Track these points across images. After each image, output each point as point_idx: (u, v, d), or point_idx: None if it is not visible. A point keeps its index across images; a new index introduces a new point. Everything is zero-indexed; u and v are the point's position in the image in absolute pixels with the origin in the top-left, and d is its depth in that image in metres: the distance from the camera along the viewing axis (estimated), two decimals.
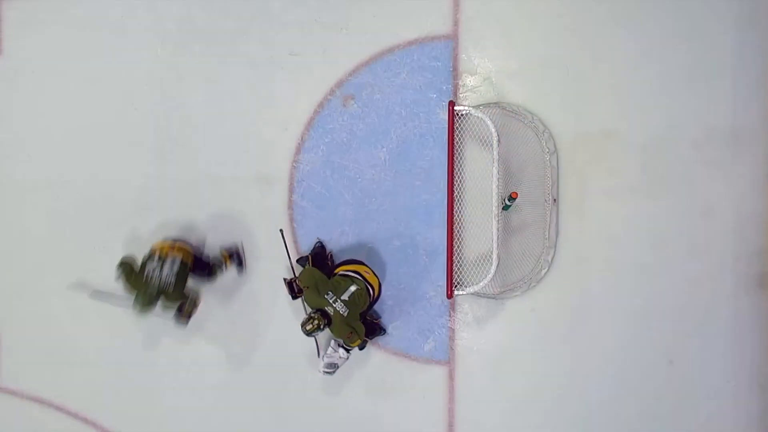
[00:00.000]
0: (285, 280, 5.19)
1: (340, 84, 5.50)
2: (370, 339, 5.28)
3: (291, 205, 5.54)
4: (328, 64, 5.48)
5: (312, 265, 5.16)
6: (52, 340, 5.61)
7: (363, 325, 4.99)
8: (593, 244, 5.41)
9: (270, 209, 5.53)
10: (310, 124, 5.52)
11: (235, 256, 5.45)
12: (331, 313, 4.87)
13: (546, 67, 5.42)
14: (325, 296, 4.88)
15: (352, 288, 4.91)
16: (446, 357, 5.50)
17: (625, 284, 5.39)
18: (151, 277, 4.93)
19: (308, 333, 4.85)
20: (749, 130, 5.36)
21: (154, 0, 5.55)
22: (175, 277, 4.97)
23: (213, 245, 5.49)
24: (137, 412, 5.60)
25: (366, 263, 5.22)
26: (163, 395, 5.58)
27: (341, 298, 4.88)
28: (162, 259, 5.00)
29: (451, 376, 5.50)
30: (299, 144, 5.53)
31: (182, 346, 5.56)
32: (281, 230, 5.29)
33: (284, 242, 5.27)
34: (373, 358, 5.50)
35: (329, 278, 5.00)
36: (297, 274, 5.17)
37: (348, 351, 5.20)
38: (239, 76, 5.52)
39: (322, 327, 4.84)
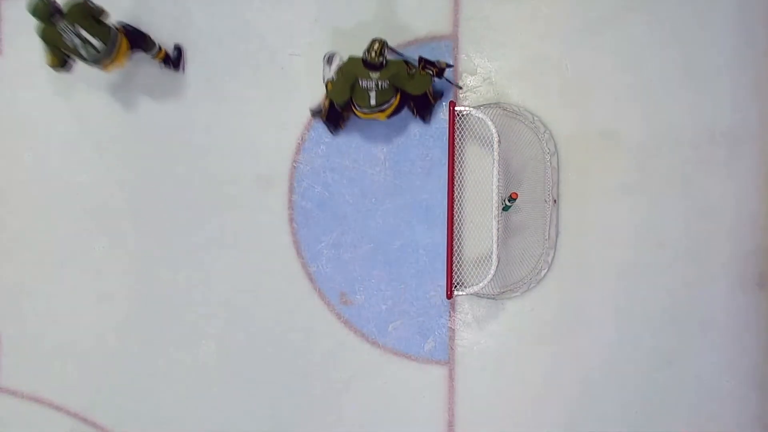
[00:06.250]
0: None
1: None
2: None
3: (291, 205, 5.54)
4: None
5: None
6: (52, 340, 5.61)
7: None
8: (593, 244, 5.42)
9: (270, 209, 5.53)
10: (310, 124, 5.52)
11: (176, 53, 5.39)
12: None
13: (546, 67, 5.42)
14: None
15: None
16: (446, 357, 5.51)
17: (625, 284, 5.40)
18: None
19: (370, 53, 4.80)
20: (749, 130, 5.37)
21: (154, 0, 5.55)
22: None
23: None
24: (137, 412, 5.59)
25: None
26: (163, 395, 5.57)
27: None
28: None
29: (451, 376, 5.50)
30: (299, 144, 5.53)
31: (182, 345, 5.56)
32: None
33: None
34: (373, 357, 5.50)
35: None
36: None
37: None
38: (239, 76, 5.52)
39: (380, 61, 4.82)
